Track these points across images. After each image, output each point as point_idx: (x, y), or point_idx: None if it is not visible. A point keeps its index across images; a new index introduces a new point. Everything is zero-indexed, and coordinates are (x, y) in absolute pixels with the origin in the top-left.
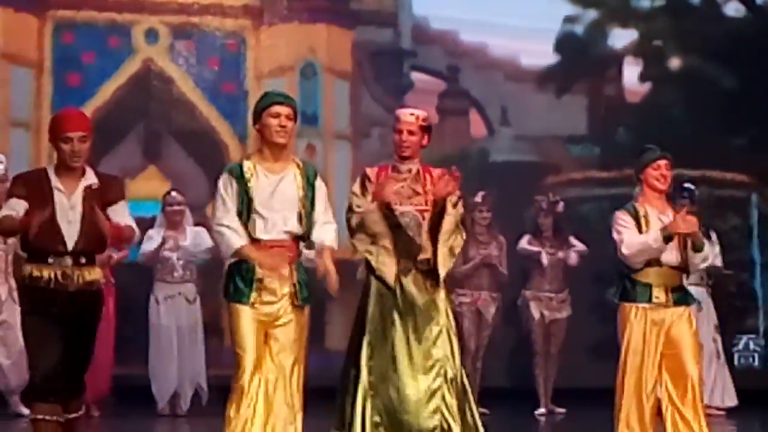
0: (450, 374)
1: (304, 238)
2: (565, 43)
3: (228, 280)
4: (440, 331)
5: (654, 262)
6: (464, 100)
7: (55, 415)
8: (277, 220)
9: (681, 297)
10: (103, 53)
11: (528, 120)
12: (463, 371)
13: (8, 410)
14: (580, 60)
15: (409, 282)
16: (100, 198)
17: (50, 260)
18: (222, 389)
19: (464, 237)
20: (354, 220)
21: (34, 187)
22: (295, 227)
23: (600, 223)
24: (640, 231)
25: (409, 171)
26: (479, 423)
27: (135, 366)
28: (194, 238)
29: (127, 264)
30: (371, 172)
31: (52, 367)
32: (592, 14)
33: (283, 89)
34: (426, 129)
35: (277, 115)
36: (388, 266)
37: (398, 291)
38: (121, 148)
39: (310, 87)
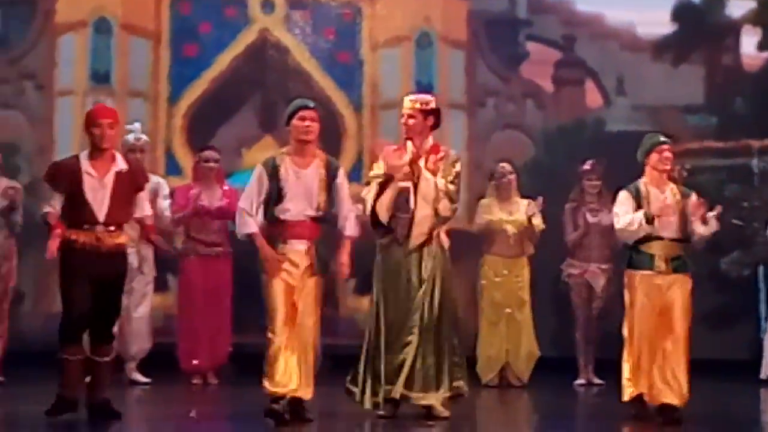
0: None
1: (323, 220)
2: (682, 12)
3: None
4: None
5: (655, 235)
6: (580, 70)
7: (79, 355)
8: (300, 205)
9: (680, 265)
10: (219, 24)
11: (644, 90)
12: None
13: (123, 377)
14: (698, 29)
15: (404, 243)
16: (131, 182)
17: (85, 227)
18: (337, 358)
19: (454, 202)
20: (366, 193)
21: (64, 174)
22: (314, 212)
23: (716, 193)
24: (638, 208)
25: (416, 151)
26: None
27: (253, 335)
28: None
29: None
30: (389, 149)
31: (79, 317)
32: None
33: (398, 59)
34: (428, 112)
35: (303, 118)
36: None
37: (396, 251)
38: (237, 118)
39: (426, 56)
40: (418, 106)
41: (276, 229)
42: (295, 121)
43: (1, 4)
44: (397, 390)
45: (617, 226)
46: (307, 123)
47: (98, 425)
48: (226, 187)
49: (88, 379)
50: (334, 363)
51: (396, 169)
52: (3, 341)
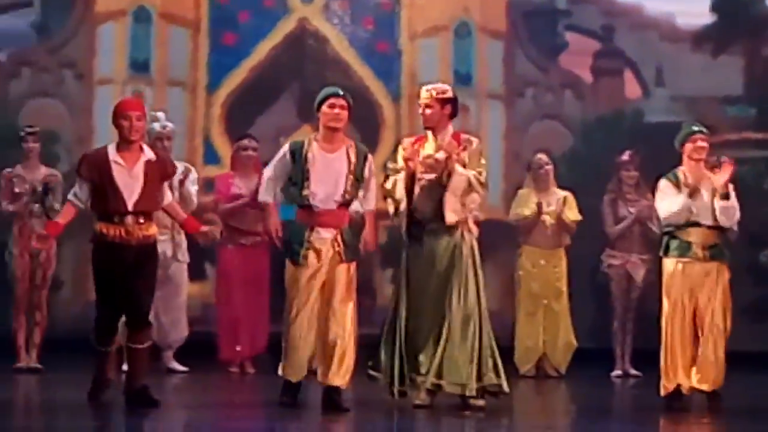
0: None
1: (349, 205)
2: (721, 3)
3: (287, 239)
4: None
5: (693, 222)
6: (619, 60)
7: (112, 345)
8: (327, 190)
9: (717, 253)
10: (258, 12)
11: (683, 80)
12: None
13: (161, 366)
14: (737, 20)
15: (430, 235)
16: (159, 171)
17: (115, 219)
18: (372, 347)
19: (482, 195)
20: (387, 184)
21: (95, 166)
22: (341, 198)
23: (755, 185)
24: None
25: (437, 141)
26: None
27: None
28: None
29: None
30: (407, 141)
31: (112, 310)
32: None
33: (437, 49)
34: (445, 101)
35: (333, 106)
36: (403, 225)
37: (423, 242)
38: (275, 107)
39: (464, 46)
40: (434, 95)
41: (305, 216)
42: (324, 108)
43: None
44: (429, 379)
45: (663, 212)
46: (336, 110)
47: (136, 412)
48: None
49: (125, 367)
50: (370, 352)
51: (438, 166)
52: (42, 328)
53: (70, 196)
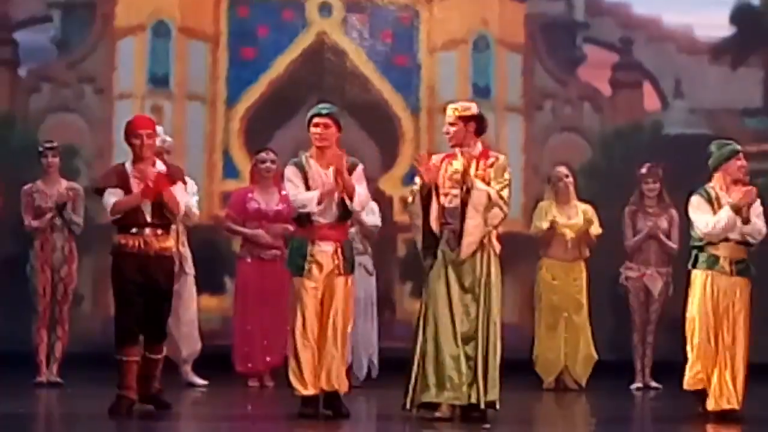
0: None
1: (347, 217)
2: (740, 15)
3: (290, 254)
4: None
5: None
6: (637, 73)
7: (135, 356)
8: (326, 204)
9: (743, 269)
10: (277, 27)
11: (702, 93)
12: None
13: (180, 380)
14: (756, 32)
15: (453, 253)
16: (172, 181)
17: (134, 231)
18: (394, 361)
19: (504, 211)
20: (410, 200)
21: (117, 177)
22: (339, 211)
23: None
24: (713, 212)
25: (463, 158)
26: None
27: None
28: None
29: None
30: (436, 158)
31: (132, 319)
32: None
33: (456, 62)
34: (468, 118)
35: (317, 125)
36: (418, 239)
37: (447, 262)
38: (294, 120)
39: (483, 59)
40: (458, 113)
41: (306, 231)
42: (311, 128)
43: (60, 9)
44: (465, 392)
45: (705, 229)
46: (319, 130)
47: (153, 427)
48: (284, 192)
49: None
50: (390, 365)
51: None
52: (63, 343)
53: (109, 200)
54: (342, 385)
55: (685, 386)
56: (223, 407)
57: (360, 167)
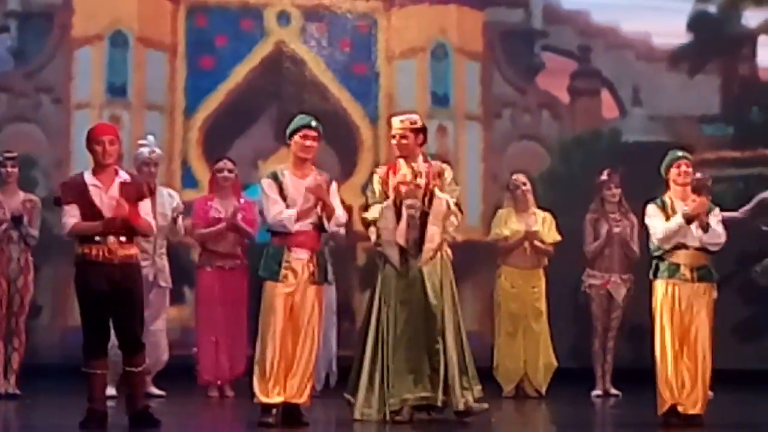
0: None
1: (322, 229)
2: (697, 22)
3: (265, 260)
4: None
5: (681, 244)
6: (596, 80)
7: (103, 369)
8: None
9: (705, 274)
10: (235, 36)
11: (660, 100)
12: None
13: None
14: (713, 39)
15: (414, 261)
16: (135, 191)
17: (97, 239)
18: (351, 369)
19: (459, 219)
20: (369, 214)
21: (74, 189)
22: (315, 220)
23: (734, 203)
24: (667, 219)
25: (412, 168)
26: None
27: None
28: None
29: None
30: (381, 170)
31: (99, 330)
32: None
33: (414, 70)
34: (418, 130)
35: (306, 137)
36: (393, 255)
37: (404, 270)
38: (253, 130)
39: (441, 68)
40: (408, 125)
41: (281, 238)
42: (297, 138)
43: (17, 18)
44: (439, 396)
45: (658, 235)
46: (308, 142)
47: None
48: (242, 201)
49: (110, 391)
50: (348, 374)
51: (419, 191)
52: (20, 354)
53: (67, 220)
54: (304, 397)
55: (659, 412)
56: (183, 418)
57: (334, 184)
